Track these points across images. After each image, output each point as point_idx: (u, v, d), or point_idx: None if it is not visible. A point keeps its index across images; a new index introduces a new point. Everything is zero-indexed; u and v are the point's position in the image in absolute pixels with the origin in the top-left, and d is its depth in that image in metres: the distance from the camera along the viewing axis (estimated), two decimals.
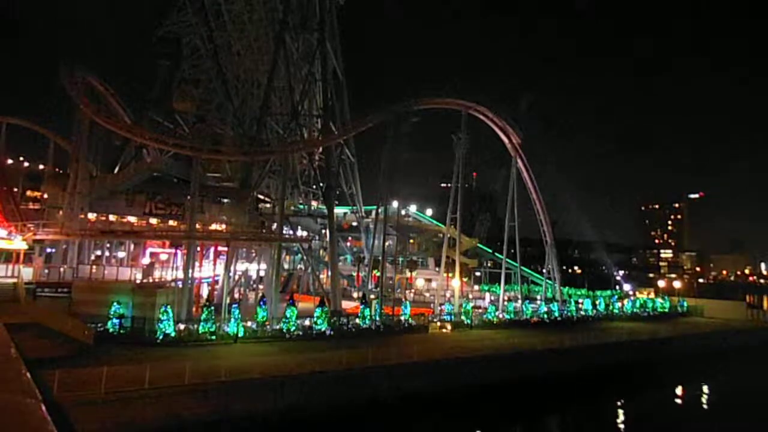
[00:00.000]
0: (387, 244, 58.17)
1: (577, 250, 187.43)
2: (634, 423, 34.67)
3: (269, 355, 32.78)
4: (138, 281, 41.78)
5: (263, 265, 53.05)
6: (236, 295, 51.84)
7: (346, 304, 53.23)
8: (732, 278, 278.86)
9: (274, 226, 54.73)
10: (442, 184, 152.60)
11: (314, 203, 70.98)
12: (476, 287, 78.99)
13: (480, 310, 54.65)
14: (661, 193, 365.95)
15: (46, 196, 53.00)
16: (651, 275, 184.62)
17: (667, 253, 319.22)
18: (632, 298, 75.53)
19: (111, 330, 35.14)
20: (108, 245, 53.61)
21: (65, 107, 51.41)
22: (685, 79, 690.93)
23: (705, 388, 43.92)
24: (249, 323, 39.35)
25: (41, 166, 63.77)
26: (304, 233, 67.46)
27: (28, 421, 14.64)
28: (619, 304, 66.43)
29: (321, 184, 61.18)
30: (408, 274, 67.86)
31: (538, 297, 71.10)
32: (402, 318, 47.58)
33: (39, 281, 40.59)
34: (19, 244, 41.57)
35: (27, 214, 47.76)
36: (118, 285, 39.95)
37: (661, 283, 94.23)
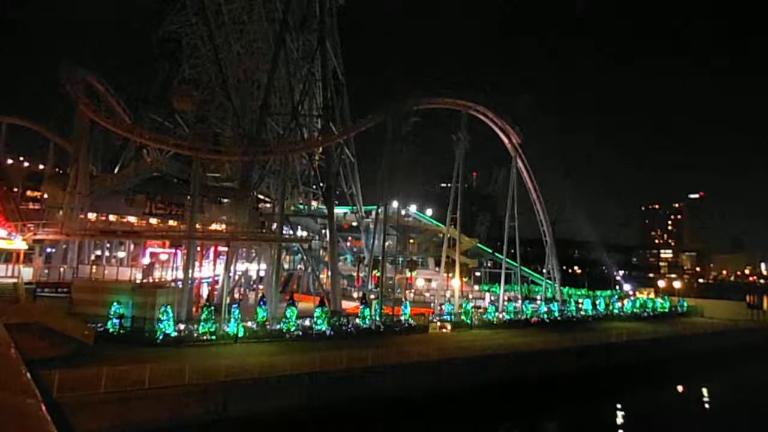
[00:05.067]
0: (387, 244, 58.15)
1: (578, 250, 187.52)
2: (634, 423, 34.67)
3: (269, 355, 32.76)
4: (138, 281, 41.74)
5: (263, 265, 53.02)
6: (236, 295, 51.81)
7: (346, 304, 53.20)
8: (732, 278, 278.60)
9: (274, 226, 54.71)
10: (442, 184, 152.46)
11: (314, 203, 70.93)
12: (476, 287, 78.85)
13: (480, 310, 54.63)
14: (661, 193, 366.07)
15: (46, 196, 52.93)
16: (651, 275, 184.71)
17: (667, 253, 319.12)
18: (632, 298, 75.48)
19: (111, 330, 35.19)
20: (108, 245, 53.56)
21: (65, 107, 51.46)
22: (686, 80, 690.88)
23: (705, 388, 43.92)
24: (249, 323, 39.37)
25: (41, 166, 63.63)
26: (304, 233, 67.42)
27: (28, 421, 14.61)
28: (619, 304, 66.39)
29: (321, 184, 61.15)
30: (408, 274, 67.78)
31: (538, 297, 71.07)
32: (402, 318, 47.58)
33: (39, 281, 40.50)
34: (19, 244, 41.46)
35: (27, 214, 47.57)
36: (118, 285, 39.89)
37: (661, 283, 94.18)
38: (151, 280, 44.05)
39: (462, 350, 37.70)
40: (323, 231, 65.78)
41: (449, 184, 63.82)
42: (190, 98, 55.56)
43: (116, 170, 58.21)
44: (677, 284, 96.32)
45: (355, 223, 76.33)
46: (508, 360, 37.84)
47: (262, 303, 41.31)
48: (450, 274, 62.54)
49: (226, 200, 57.93)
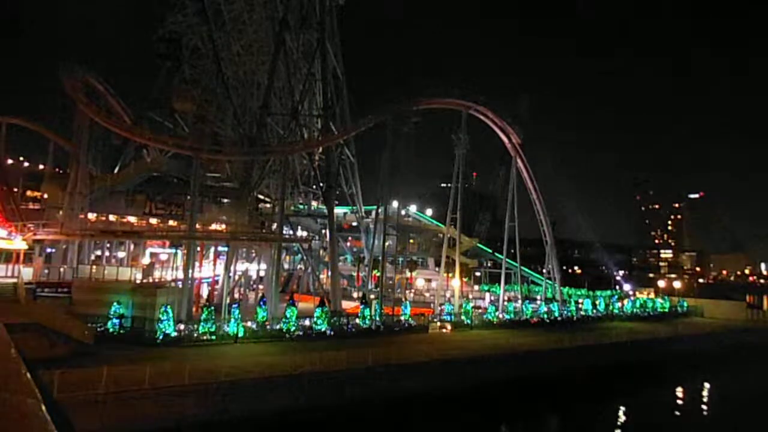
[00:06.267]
0: (387, 244, 58.15)
1: (577, 250, 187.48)
2: (634, 423, 34.68)
3: (269, 355, 32.82)
4: (138, 281, 41.74)
5: (263, 265, 53.05)
6: (236, 295, 51.83)
7: (346, 304, 53.21)
8: (732, 278, 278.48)
9: (274, 226, 54.71)
10: (442, 184, 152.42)
11: (314, 203, 70.92)
12: (476, 287, 78.89)
13: (480, 310, 54.66)
14: (661, 193, 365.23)
15: (46, 196, 52.94)
16: (651, 275, 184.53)
17: (667, 253, 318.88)
18: (632, 298, 75.52)
19: (111, 330, 35.21)
20: (108, 245, 53.57)
21: (65, 107, 51.40)
22: (685, 79, 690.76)
23: (705, 388, 43.93)
24: (249, 323, 39.39)
25: (41, 166, 63.52)
26: (304, 233, 67.42)
27: (28, 421, 14.60)
28: (619, 304, 66.47)
29: (321, 184, 61.16)
30: (408, 274, 67.81)
31: (538, 297, 71.07)
32: (402, 318, 47.60)
33: (39, 281, 40.51)
34: (19, 244, 41.46)
35: (27, 214, 47.55)
36: (118, 285, 39.89)
37: (661, 283, 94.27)
38: (151, 280, 44.06)
39: (462, 350, 37.73)
40: (323, 231, 65.79)
41: (449, 184, 63.80)
42: (190, 98, 55.55)
43: (116, 170, 58.19)
44: (677, 284, 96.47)
45: (355, 223, 76.34)
46: (508, 360, 37.84)
47: (262, 303, 41.32)
48: (450, 274, 62.56)
49: (226, 200, 57.94)
